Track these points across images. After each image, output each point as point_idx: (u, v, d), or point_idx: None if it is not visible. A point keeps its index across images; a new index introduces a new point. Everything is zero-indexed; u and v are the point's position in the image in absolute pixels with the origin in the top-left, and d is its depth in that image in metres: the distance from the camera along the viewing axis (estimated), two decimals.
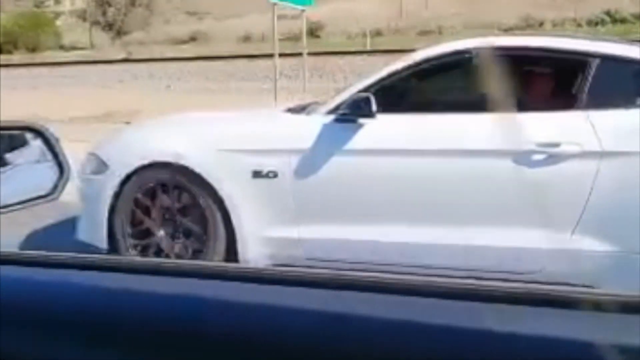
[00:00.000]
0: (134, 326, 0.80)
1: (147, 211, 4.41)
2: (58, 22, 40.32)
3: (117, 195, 4.43)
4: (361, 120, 4.01)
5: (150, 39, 36.18)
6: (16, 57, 31.20)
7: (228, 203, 4.20)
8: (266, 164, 4.14)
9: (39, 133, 1.49)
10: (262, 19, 23.86)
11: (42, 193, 1.48)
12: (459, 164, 3.86)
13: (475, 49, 3.93)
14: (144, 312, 0.82)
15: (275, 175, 4.12)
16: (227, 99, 14.68)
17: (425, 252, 3.85)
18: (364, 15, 32.31)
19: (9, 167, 1.55)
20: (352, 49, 22.82)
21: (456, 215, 3.87)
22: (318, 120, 4.13)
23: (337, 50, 22.36)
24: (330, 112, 4.14)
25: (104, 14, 38.21)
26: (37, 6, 43.25)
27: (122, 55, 28.54)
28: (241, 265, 3.61)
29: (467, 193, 3.86)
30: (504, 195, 3.76)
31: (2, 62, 24.97)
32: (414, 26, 32.20)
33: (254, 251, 4.17)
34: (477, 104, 3.95)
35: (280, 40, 13.56)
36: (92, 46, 36.95)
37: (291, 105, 4.81)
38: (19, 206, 1.42)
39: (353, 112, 3.98)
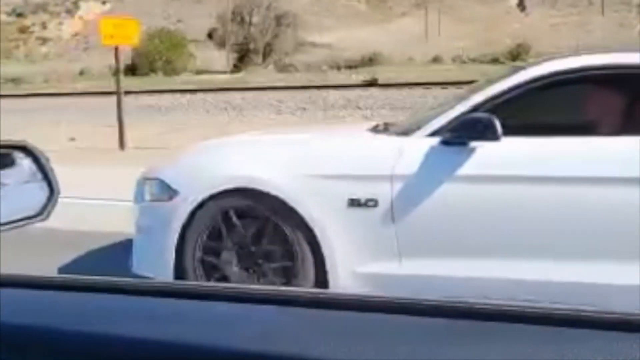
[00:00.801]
0: (137, 349, 0.79)
1: (223, 242, 3.95)
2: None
3: (188, 224, 3.97)
4: (473, 144, 3.57)
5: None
6: (152, 80, 26.81)
7: (319, 235, 3.74)
8: (364, 191, 3.68)
9: (28, 152, 1.46)
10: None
11: (31, 213, 1.47)
12: (590, 193, 3.44)
13: (602, 66, 3.53)
14: (149, 335, 0.81)
15: (376, 204, 3.67)
16: None
17: (554, 289, 3.40)
18: None
19: None
20: None
21: (590, 250, 3.43)
22: (421, 143, 3.69)
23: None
24: (434, 133, 3.70)
25: (244, 36, 33.53)
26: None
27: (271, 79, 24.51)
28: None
29: (598, 225, 3.43)
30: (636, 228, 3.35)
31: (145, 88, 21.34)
32: None
33: (349, 290, 3.71)
34: (607, 127, 3.53)
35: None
36: (233, 70, 32.09)
37: (369, 125, 4.38)
38: (7, 227, 1.40)
39: (470, 134, 3.53)
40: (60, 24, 51.09)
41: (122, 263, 4.34)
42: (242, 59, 33.81)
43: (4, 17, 49.39)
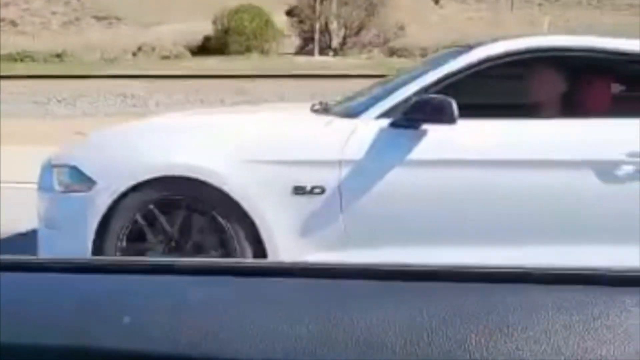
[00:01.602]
0: (134, 326, 0.79)
1: (148, 239, 3.55)
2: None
3: (107, 218, 3.55)
4: (426, 126, 3.37)
5: None
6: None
7: (260, 227, 3.43)
8: (310, 178, 3.41)
9: None
10: None
11: None
12: (545, 177, 3.33)
13: (556, 47, 3.43)
14: (144, 312, 0.80)
15: (322, 191, 3.40)
16: None
17: None
18: None
19: None
20: None
21: (541, 236, 3.31)
22: (370, 126, 3.45)
23: None
24: (383, 115, 3.47)
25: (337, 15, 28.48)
26: None
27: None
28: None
29: (552, 209, 3.33)
30: (596, 212, 3.28)
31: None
32: None
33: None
34: (563, 109, 3.44)
35: None
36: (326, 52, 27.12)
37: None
38: None
39: (423, 116, 3.32)
40: None
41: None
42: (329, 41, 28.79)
43: None
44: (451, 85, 3.48)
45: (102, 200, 3.56)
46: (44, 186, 3.84)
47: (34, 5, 32.41)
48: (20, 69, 19.74)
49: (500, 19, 27.80)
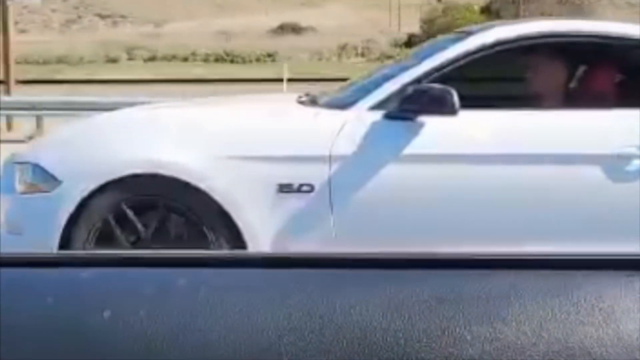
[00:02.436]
0: (115, 320, 0.77)
1: (119, 239, 3.25)
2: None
3: (73, 221, 3.25)
4: (422, 118, 3.11)
5: None
6: None
7: (243, 228, 3.14)
8: (297, 174, 3.13)
9: None
10: None
11: None
12: (553, 172, 3.09)
13: (566, 32, 3.20)
14: (123, 305, 0.79)
15: (311, 189, 3.12)
16: None
17: None
18: None
19: None
20: None
21: (546, 233, 3.08)
22: (362, 118, 3.18)
23: None
24: (376, 106, 3.20)
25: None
26: None
27: None
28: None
29: (560, 205, 3.10)
30: (607, 207, 3.06)
31: None
32: None
33: None
34: (573, 99, 3.19)
35: None
36: None
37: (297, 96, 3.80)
38: None
39: (421, 107, 3.06)
40: None
41: None
42: None
43: None
44: (449, 73, 3.23)
45: (68, 201, 3.26)
46: (5, 187, 3.53)
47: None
48: None
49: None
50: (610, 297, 0.76)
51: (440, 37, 4.02)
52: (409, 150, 3.12)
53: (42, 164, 3.40)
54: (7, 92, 12.93)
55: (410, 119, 3.14)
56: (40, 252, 1.02)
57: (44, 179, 3.37)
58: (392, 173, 3.13)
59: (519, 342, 0.72)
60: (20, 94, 12.64)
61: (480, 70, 3.35)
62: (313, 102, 3.56)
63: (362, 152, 3.14)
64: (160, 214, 3.25)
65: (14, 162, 3.54)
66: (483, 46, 3.27)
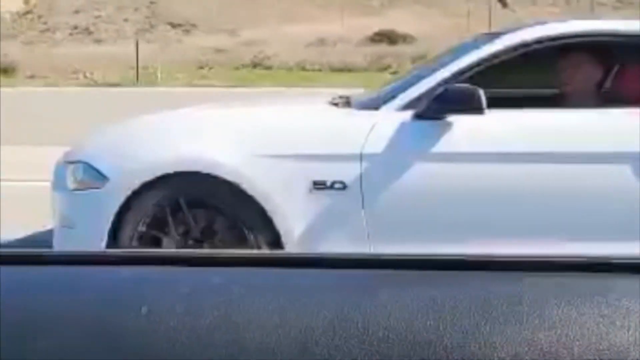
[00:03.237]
0: (152, 316, 0.79)
1: (164, 237, 3.42)
2: None
3: (121, 217, 3.42)
4: (451, 117, 3.19)
5: None
6: None
7: (278, 224, 3.27)
8: (330, 172, 3.24)
9: None
10: None
11: None
12: (583, 171, 3.13)
13: (596, 32, 3.23)
14: (161, 302, 0.80)
15: (343, 186, 3.23)
16: None
17: None
18: None
19: None
20: None
21: (579, 232, 3.11)
22: (392, 117, 3.28)
23: None
24: (406, 106, 3.29)
25: None
26: None
27: None
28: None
29: (591, 205, 3.13)
30: (636, 206, 3.07)
31: None
32: None
33: None
34: (602, 99, 3.21)
35: None
36: None
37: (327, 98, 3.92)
38: None
39: (449, 107, 3.14)
40: None
41: None
42: None
43: None
44: (478, 74, 3.30)
45: (116, 197, 3.44)
46: (57, 184, 3.74)
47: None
48: None
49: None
50: None
51: (470, 38, 4.09)
52: (437, 148, 3.20)
53: (92, 162, 3.60)
54: None
55: (439, 119, 3.22)
56: (85, 251, 1.07)
57: (94, 176, 3.56)
58: (421, 171, 3.21)
59: (553, 347, 0.70)
60: None
61: (510, 70, 3.41)
62: (347, 103, 3.68)
63: (392, 151, 3.23)
64: (203, 211, 3.41)
65: (66, 161, 3.75)
66: (518, 45, 3.33)
